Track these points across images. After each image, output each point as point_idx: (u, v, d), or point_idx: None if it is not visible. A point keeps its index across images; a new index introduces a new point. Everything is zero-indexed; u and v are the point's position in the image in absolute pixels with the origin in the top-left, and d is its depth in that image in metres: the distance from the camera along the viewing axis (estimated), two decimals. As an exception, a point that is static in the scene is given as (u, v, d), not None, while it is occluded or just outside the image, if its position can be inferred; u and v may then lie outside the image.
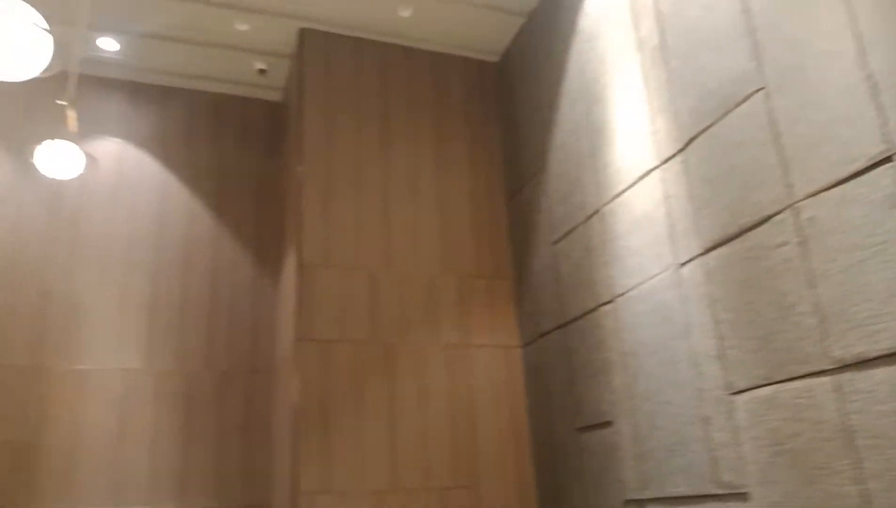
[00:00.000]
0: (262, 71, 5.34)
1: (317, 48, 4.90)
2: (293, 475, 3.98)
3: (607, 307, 3.76)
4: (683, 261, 3.20)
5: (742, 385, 2.82)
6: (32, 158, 2.82)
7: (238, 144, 5.48)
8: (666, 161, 3.35)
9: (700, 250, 3.10)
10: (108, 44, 4.96)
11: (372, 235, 4.59)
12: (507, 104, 5.19)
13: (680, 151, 3.26)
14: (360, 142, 4.79)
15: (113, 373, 4.65)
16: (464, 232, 4.83)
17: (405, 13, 4.83)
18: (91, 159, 2.96)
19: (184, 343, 4.87)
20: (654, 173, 3.44)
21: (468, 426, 4.37)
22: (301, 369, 4.17)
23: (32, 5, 2.09)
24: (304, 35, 4.90)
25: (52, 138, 2.85)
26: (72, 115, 2.81)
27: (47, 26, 2.09)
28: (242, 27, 4.89)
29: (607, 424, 3.70)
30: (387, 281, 4.52)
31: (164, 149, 5.25)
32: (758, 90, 2.82)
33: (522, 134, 4.91)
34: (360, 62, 4.98)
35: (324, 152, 4.68)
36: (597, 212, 3.90)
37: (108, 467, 4.47)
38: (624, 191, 3.67)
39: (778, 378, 2.65)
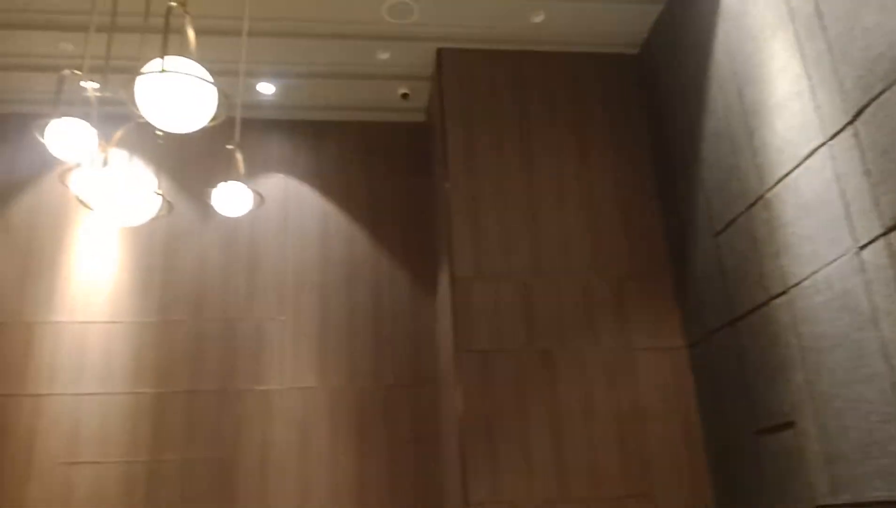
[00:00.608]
0: (404, 95, 5.55)
1: (453, 66, 5.02)
2: (463, 485, 4.05)
3: (780, 300, 3.50)
4: (863, 243, 2.90)
5: (947, 377, 2.51)
6: (210, 199, 3.10)
7: (388, 168, 5.73)
8: (833, 136, 3.07)
9: (882, 230, 2.79)
10: (266, 88, 5.40)
11: (521, 243, 4.60)
12: (651, 96, 5.00)
13: (849, 123, 2.97)
14: (503, 152, 4.83)
15: (292, 392, 5.02)
16: (615, 232, 4.71)
17: (537, 19, 4.82)
18: (259, 196, 3.22)
19: (352, 360, 5.15)
20: (820, 151, 3.16)
21: (637, 432, 4.23)
22: (462, 380, 4.24)
23: (197, 62, 2.33)
24: (441, 55, 5.03)
25: (225, 180, 3.12)
26: (239, 157, 3.07)
27: (212, 79, 2.31)
28: (384, 56, 5.12)
29: (789, 425, 3.42)
30: (539, 288, 4.50)
31: (321, 179, 5.61)
32: (936, 45, 2.51)
33: (669, 125, 4.71)
34: (497, 73, 5.03)
35: (467, 166, 4.76)
36: (760, 198, 3.65)
37: (294, 479, 4.81)
38: (788, 173, 3.40)
39: None
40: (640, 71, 5.16)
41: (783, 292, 3.47)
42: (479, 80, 5.00)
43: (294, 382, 5.04)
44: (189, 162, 5.42)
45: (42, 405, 4.78)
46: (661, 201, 4.83)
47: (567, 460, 4.13)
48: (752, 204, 3.72)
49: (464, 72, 5.01)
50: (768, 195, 3.57)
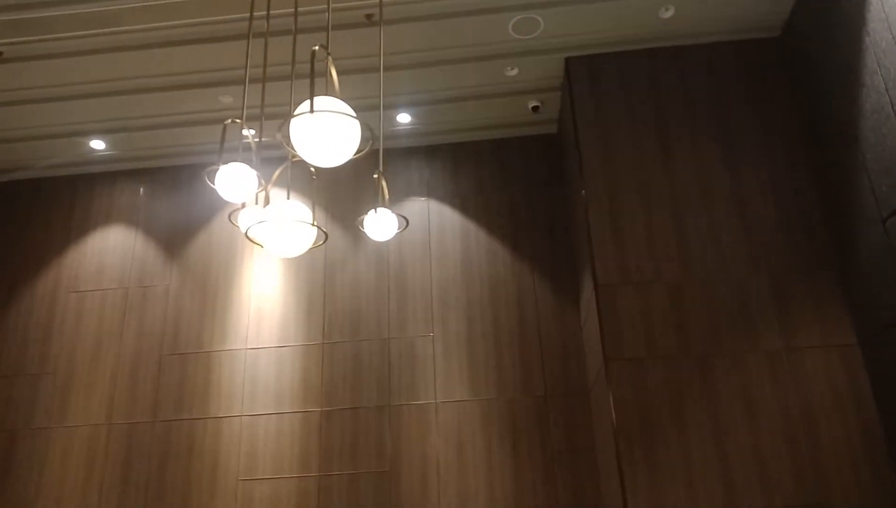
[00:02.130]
0: (535, 108, 5.60)
1: (583, 73, 5.00)
2: (622, 496, 3.97)
3: (967, 286, 3.16)
4: None
5: None
6: (361, 226, 3.29)
7: (524, 181, 5.79)
8: None
9: None
10: (403, 117, 5.65)
11: (666, 245, 4.48)
12: (798, 79, 4.71)
13: None
14: (640, 154, 4.74)
15: (446, 406, 5.16)
16: (769, 226, 4.46)
17: (667, 14, 4.70)
18: (404, 220, 3.38)
19: (501, 373, 5.22)
20: None
21: (808, 436, 3.96)
22: (614, 389, 4.18)
23: (342, 100, 2.51)
24: (570, 64, 5.04)
25: (371, 207, 3.30)
26: (383, 185, 3.24)
27: (355, 114, 2.48)
28: (512, 72, 5.20)
29: None
30: (690, 290, 4.35)
31: (461, 199, 5.77)
32: None
33: (822, 107, 4.40)
34: (628, 74, 4.95)
35: (604, 172, 4.71)
36: (932, 177, 3.33)
37: (454, 491, 4.93)
38: (964, 146, 3.09)
39: None
40: (783, 54, 4.88)
41: (971, 278, 3.14)
42: (610, 83, 4.95)
43: (447, 396, 5.19)
44: (338, 193, 5.80)
45: (222, 427, 5.25)
46: (817, 188, 4.53)
47: (732, 469, 3.94)
48: (925, 184, 3.40)
49: (593, 77, 4.98)
50: (943, 173, 3.26)
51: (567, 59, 5.05)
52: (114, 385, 5.47)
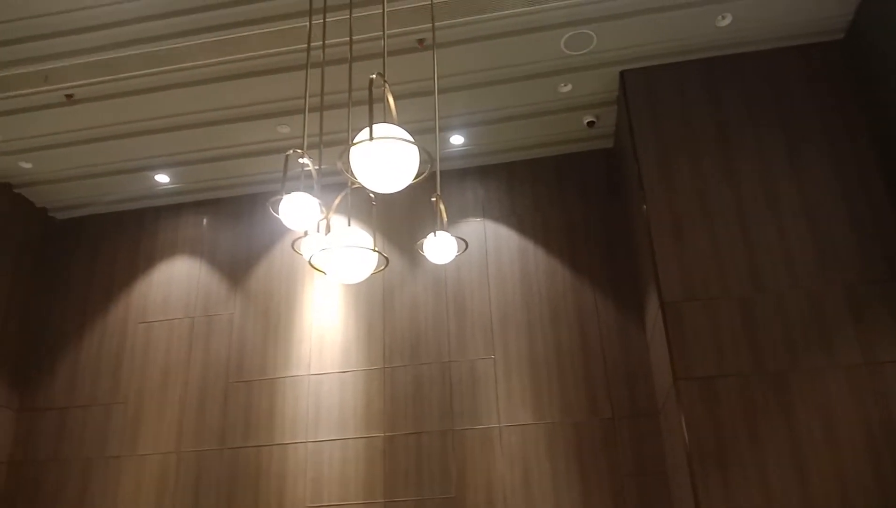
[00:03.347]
0: (590, 123, 5.53)
1: (639, 86, 4.92)
2: (699, 519, 3.83)
3: None
4: None
5: None
6: (420, 250, 3.29)
7: (582, 198, 5.71)
8: None
9: None
10: (457, 139, 5.65)
11: (733, 259, 4.33)
12: (865, 82, 4.53)
13: None
14: (701, 165, 4.62)
15: (510, 430, 5.08)
16: (841, 234, 4.28)
17: (724, 22, 4.60)
18: (461, 241, 3.36)
19: (565, 395, 5.11)
20: None
21: (892, 454, 3.74)
22: (684, 409, 4.04)
23: (398, 125, 2.51)
24: (625, 77, 4.97)
25: (428, 230, 3.29)
26: (441, 207, 3.22)
27: (412, 139, 2.48)
28: (566, 89, 5.15)
29: None
30: (761, 305, 4.19)
31: (517, 218, 5.72)
32: None
33: (893, 109, 4.21)
34: (686, 85, 4.86)
35: (665, 185, 4.61)
36: None
37: (522, 516, 4.84)
38: None
39: None
40: (848, 57, 4.71)
41: None
42: (667, 94, 4.86)
43: (510, 419, 5.10)
44: (393, 217, 5.82)
45: (288, 453, 5.29)
46: (890, 193, 4.32)
47: (812, 489, 3.75)
48: None
49: (650, 89, 4.90)
50: None
51: (622, 73, 4.98)
52: (182, 413, 5.58)
